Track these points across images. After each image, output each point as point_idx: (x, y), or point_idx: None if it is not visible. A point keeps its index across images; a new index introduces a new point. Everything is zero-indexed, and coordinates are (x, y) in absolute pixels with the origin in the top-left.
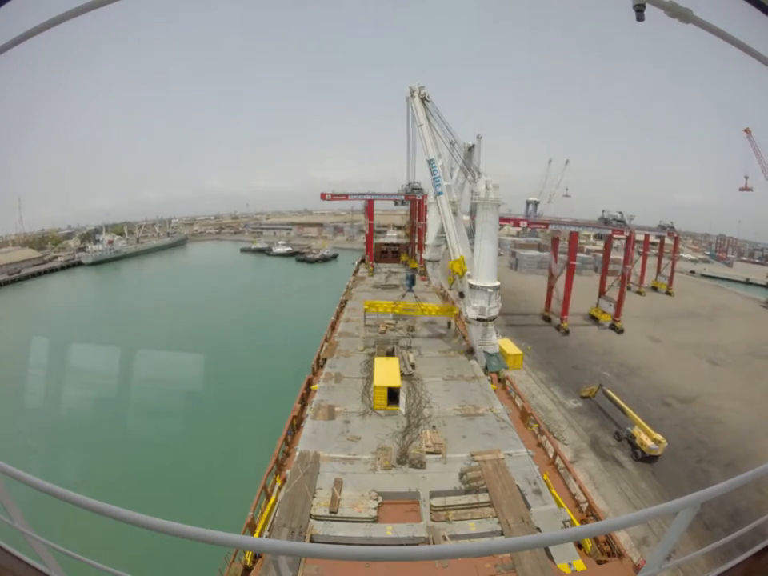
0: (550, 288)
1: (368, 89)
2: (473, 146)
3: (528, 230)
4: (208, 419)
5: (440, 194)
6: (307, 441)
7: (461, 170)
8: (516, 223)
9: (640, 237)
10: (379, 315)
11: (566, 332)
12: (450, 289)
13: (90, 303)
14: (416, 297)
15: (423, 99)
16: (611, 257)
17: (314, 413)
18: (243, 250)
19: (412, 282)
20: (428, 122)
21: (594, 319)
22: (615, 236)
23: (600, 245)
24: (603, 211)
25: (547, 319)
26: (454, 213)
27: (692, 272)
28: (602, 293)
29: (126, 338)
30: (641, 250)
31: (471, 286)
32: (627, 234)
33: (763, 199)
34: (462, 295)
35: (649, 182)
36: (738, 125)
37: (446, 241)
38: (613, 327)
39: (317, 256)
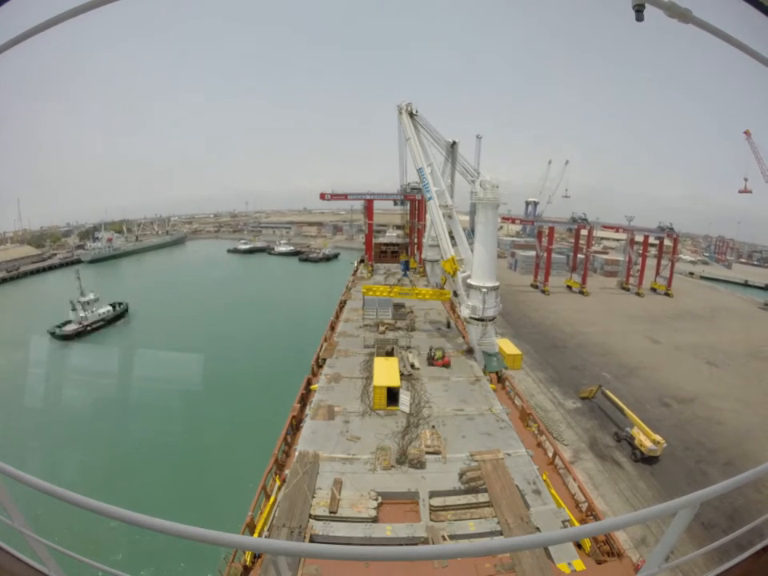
0: (537, 265)
1: (369, 83)
2: (454, 143)
3: (527, 229)
4: (207, 419)
5: (430, 199)
6: (307, 441)
7: (449, 169)
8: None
9: (639, 238)
10: (379, 315)
11: (548, 293)
12: (443, 287)
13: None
14: (411, 281)
15: (411, 114)
16: (609, 258)
17: (313, 413)
18: (230, 251)
19: (406, 267)
20: (416, 135)
21: (569, 288)
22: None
23: (597, 247)
24: (573, 212)
25: (535, 287)
26: (449, 216)
27: (691, 273)
28: (573, 269)
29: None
30: (640, 251)
31: (469, 286)
32: (588, 228)
33: (763, 201)
34: (455, 294)
35: (648, 183)
36: (737, 125)
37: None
38: (581, 292)
39: (320, 255)
